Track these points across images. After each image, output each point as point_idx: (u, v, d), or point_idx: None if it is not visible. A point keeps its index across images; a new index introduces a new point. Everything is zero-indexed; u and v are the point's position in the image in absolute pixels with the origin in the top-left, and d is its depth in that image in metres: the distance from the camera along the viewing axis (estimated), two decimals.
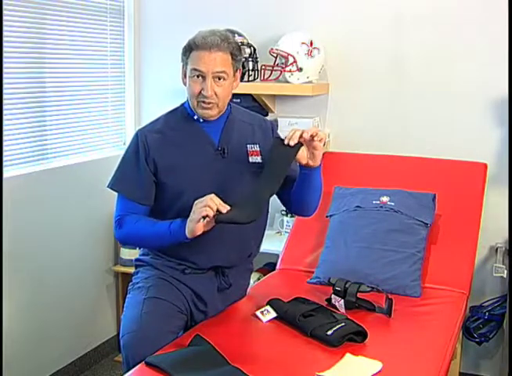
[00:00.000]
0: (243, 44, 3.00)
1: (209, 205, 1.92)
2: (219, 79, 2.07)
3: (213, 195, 1.95)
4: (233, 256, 2.24)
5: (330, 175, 2.90)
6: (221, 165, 2.16)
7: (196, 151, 2.16)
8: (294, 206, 2.29)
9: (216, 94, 2.08)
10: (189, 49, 2.09)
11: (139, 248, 2.41)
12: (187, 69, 2.11)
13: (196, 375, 1.78)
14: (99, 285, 3.33)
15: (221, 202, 1.94)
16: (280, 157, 2.05)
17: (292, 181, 2.18)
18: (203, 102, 2.10)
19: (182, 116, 2.21)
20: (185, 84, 2.16)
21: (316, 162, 2.08)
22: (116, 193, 2.20)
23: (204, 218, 1.93)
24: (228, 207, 1.94)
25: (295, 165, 2.15)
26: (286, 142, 2.02)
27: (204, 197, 1.95)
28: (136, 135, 2.19)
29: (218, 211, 1.93)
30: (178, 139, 2.17)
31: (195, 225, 1.95)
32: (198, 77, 2.07)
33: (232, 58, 2.09)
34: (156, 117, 2.26)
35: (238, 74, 2.17)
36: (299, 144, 2.03)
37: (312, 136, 2.02)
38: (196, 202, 1.97)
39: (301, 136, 2.02)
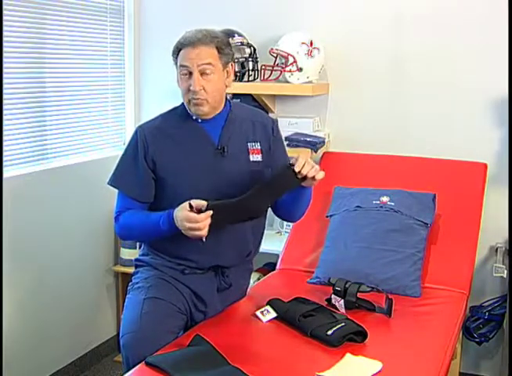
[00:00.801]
0: (242, 44, 3.00)
1: (200, 235, 1.96)
2: (206, 73, 2.07)
3: (197, 217, 1.94)
4: (232, 255, 2.24)
5: (330, 175, 2.90)
6: (221, 164, 2.16)
7: (196, 150, 2.16)
8: (281, 212, 2.33)
9: (205, 89, 2.08)
10: (176, 51, 2.11)
11: (139, 247, 2.42)
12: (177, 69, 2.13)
13: (196, 375, 1.78)
14: (99, 285, 3.33)
15: (207, 216, 1.95)
16: (286, 182, 2.06)
17: None
18: (194, 98, 2.10)
19: (182, 115, 2.21)
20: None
21: (310, 185, 2.10)
22: (116, 190, 2.21)
23: None
24: (211, 213, 1.96)
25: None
26: (296, 169, 2.00)
27: (190, 223, 1.95)
28: (136, 132, 2.19)
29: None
30: (177, 137, 2.18)
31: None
32: (186, 74, 2.08)
33: (218, 52, 2.09)
34: (156, 115, 2.26)
35: (230, 70, 2.16)
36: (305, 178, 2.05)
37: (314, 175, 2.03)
38: (182, 227, 1.98)
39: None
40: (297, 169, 2.00)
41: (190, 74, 2.07)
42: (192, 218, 1.95)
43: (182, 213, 1.97)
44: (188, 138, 2.17)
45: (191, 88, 2.07)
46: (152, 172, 2.15)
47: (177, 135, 2.18)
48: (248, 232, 2.24)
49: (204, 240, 2.00)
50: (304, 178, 2.03)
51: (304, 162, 2.01)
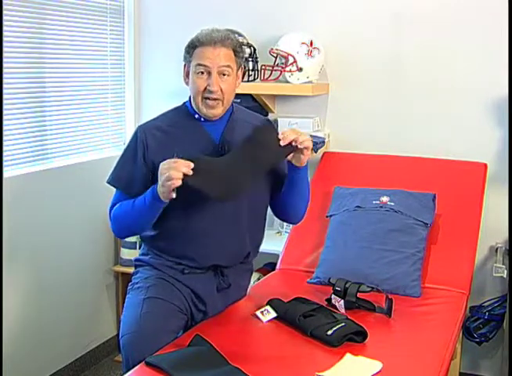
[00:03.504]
0: (242, 44, 3.00)
1: (172, 177, 1.90)
2: (224, 75, 2.08)
3: (176, 160, 1.92)
4: (230, 255, 2.24)
5: (330, 175, 2.91)
6: None
7: (196, 149, 2.15)
8: (281, 211, 2.32)
9: (221, 90, 2.08)
10: (192, 47, 2.09)
11: (139, 247, 2.41)
12: (190, 67, 2.11)
13: (196, 375, 1.78)
14: (99, 285, 3.33)
15: (187, 164, 1.92)
16: (271, 151, 2.05)
17: (281, 184, 2.21)
18: (209, 98, 2.09)
19: (184, 114, 2.20)
20: (187, 83, 2.15)
21: (300, 163, 2.10)
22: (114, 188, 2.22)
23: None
24: (193, 166, 1.92)
25: (284, 169, 2.20)
26: (280, 136, 2.02)
27: (168, 164, 1.93)
28: (136, 131, 2.19)
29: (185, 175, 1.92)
30: (178, 137, 2.17)
31: (167, 195, 1.96)
32: (203, 73, 2.07)
33: (234, 54, 2.10)
34: (157, 114, 2.25)
35: (240, 73, 2.18)
36: (292, 147, 2.04)
37: (296, 141, 2.03)
38: (160, 169, 1.95)
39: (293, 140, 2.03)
40: (280, 135, 2.01)
41: (208, 73, 2.07)
42: (173, 160, 1.93)
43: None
44: (189, 137, 2.17)
45: (209, 87, 2.07)
46: (151, 173, 2.14)
47: (178, 134, 2.17)
48: (246, 233, 2.24)
49: (175, 195, 1.94)
50: (290, 148, 2.03)
51: (288, 134, 2.02)
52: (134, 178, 2.15)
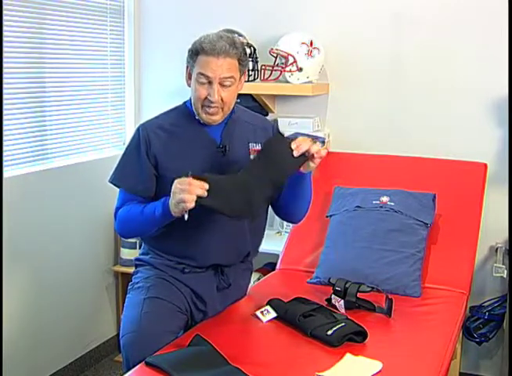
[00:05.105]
0: (244, 44, 3.00)
1: (185, 200, 1.89)
2: (226, 85, 2.07)
3: (190, 181, 1.90)
4: (231, 254, 2.24)
5: (330, 175, 2.91)
6: (222, 163, 2.16)
7: (197, 148, 2.16)
8: (283, 211, 2.31)
9: (222, 99, 2.08)
10: (195, 53, 2.08)
11: (139, 247, 2.41)
12: (193, 72, 2.10)
13: (196, 375, 1.78)
14: (99, 285, 3.33)
15: (202, 186, 1.90)
16: (284, 163, 2.03)
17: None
18: (208, 106, 2.09)
19: (185, 115, 2.21)
20: (189, 85, 2.15)
21: (307, 170, 2.09)
22: (116, 189, 2.21)
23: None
24: (207, 187, 1.91)
25: None
26: (293, 146, 1.99)
27: (182, 185, 1.91)
28: (138, 129, 2.19)
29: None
30: (179, 135, 2.18)
31: (179, 214, 1.95)
32: (204, 82, 2.07)
33: (239, 63, 2.09)
34: (157, 114, 2.25)
35: (243, 77, 2.17)
36: (305, 157, 2.02)
37: (315, 153, 2.01)
38: (173, 189, 1.93)
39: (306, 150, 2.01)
40: (293, 146, 1.99)
41: (209, 82, 2.06)
42: (186, 180, 1.91)
43: (177, 179, 1.94)
44: (189, 136, 2.17)
45: (209, 97, 2.06)
46: (154, 169, 2.15)
47: (179, 133, 2.18)
48: (246, 233, 2.24)
49: (187, 216, 1.93)
50: (303, 158, 2.01)
51: (300, 144, 2.00)
52: (138, 175, 2.15)
